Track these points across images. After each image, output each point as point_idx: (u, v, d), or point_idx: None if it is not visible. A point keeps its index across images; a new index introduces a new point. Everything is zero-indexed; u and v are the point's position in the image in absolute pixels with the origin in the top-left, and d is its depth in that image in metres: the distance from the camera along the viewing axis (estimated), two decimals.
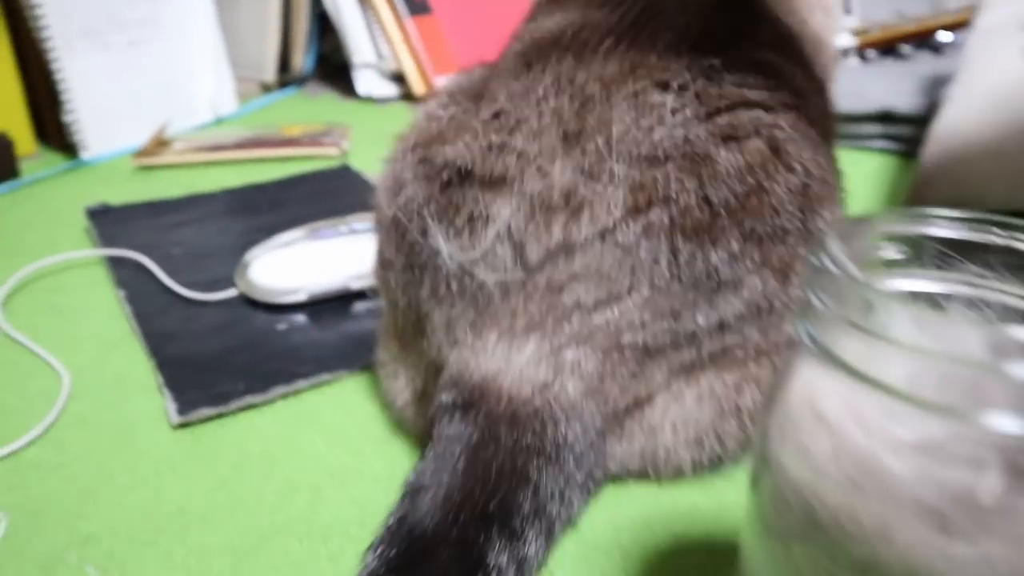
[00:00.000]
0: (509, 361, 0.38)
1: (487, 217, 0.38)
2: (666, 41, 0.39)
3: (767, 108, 0.38)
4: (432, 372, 0.42)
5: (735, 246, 0.36)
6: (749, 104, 0.38)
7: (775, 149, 0.38)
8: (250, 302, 0.60)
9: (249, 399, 0.49)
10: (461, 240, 0.38)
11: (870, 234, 0.25)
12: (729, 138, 0.37)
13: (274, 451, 0.45)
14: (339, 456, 0.45)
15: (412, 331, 0.42)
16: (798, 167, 0.38)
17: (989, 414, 0.19)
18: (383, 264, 0.43)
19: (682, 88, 0.38)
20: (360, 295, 0.59)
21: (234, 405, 0.48)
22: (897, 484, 0.21)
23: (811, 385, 0.23)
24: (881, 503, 0.21)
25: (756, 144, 0.37)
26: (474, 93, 0.42)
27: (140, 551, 0.39)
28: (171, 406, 0.48)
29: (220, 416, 0.48)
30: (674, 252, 0.36)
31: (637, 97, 0.37)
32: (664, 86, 0.38)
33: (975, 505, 0.20)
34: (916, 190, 0.65)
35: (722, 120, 0.37)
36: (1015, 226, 0.23)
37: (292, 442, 0.46)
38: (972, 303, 0.24)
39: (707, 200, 0.36)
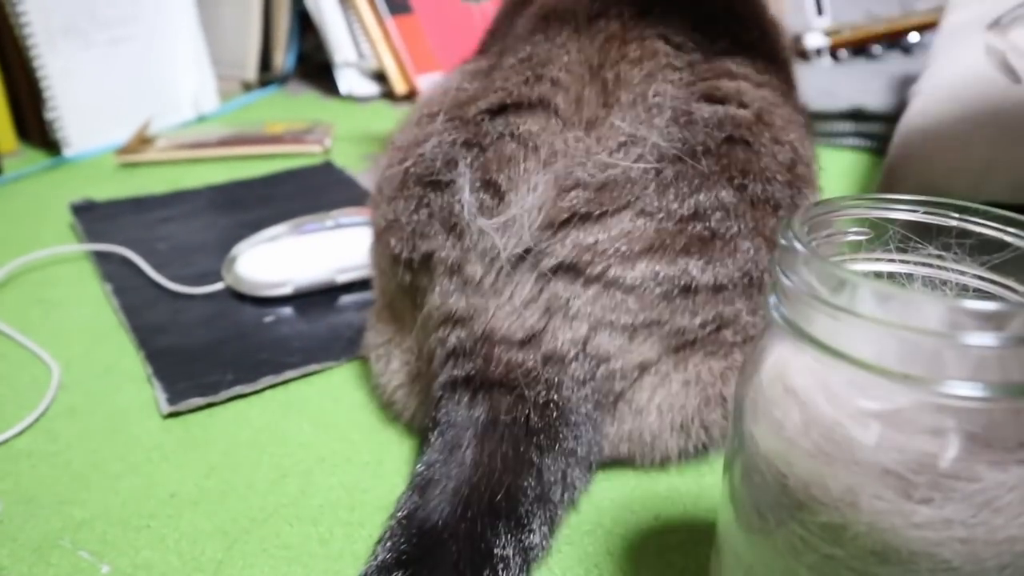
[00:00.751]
0: (514, 323, 0.39)
1: (522, 163, 0.40)
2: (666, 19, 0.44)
3: (757, 84, 0.43)
4: (427, 356, 0.42)
5: (725, 196, 0.38)
6: (733, 76, 0.42)
7: (759, 114, 0.41)
8: (237, 295, 0.61)
9: (238, 389, 0.49)
10: (485, 199, 0.40)
11: (837, 217, 0.26)
12: (712, 98, 0.41)
13: (263, 439, 0.46)
14: (328, 443, 0.46)
15: (409, 298, 0.43)
16: (786, 142, 0.41)
17: (947, 382, 0.21)
18: (388, 227, 0.43)
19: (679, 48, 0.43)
20: (346, 288, 0.61)
21: (223, 395, 0.49)
22: (863, 452, 0.22)
23: (782, 361, 0.25)
24: (848, 470, 0.23)
25: (736, 110, 0.41)
26: (484, 73, 0.45)
27: (133, 536, 0.39)
28: (161, 396, 0.49)
29: (210, 406, 0.49)
30: (662, 181, 0.38)
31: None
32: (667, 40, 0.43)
33: (935, 470, 0.22)
34: (884, 183, 0.67)
35: (705, 85, 0.42)
36: (970, 210, 0.25)
37: (281, 430, 0.47)
38: (931, 282, 0.25)
39: (684, 140, 0.39)
